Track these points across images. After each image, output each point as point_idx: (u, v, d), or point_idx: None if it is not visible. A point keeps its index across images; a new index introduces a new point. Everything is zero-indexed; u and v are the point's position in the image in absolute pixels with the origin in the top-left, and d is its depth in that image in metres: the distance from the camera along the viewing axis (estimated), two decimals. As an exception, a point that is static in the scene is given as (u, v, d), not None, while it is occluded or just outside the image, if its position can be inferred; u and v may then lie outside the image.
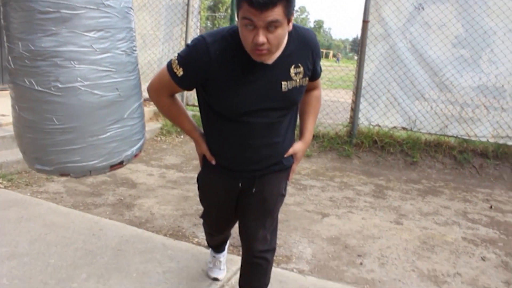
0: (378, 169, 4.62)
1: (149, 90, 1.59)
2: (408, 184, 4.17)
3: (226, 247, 2.24)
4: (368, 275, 2.42)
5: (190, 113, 1.74)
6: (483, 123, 4.67)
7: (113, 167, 1.42)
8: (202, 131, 1.68)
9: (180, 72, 1.46)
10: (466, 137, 4.73)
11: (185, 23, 5.74)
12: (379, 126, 5.01)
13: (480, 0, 4.47)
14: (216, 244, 2.15)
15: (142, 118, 1.52)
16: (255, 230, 1.70)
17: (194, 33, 5.76)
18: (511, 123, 4.58)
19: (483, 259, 2.71)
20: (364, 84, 4.93)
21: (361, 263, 2.55)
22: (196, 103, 5.84)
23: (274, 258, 2.02)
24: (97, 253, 2.36)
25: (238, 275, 2.03)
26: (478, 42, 4.53)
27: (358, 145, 4.92)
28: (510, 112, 4.58)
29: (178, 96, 1.66)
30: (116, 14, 1.30)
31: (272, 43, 1.33)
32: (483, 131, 4.67)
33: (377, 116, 5.00)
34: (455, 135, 4.77)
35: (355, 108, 4.96)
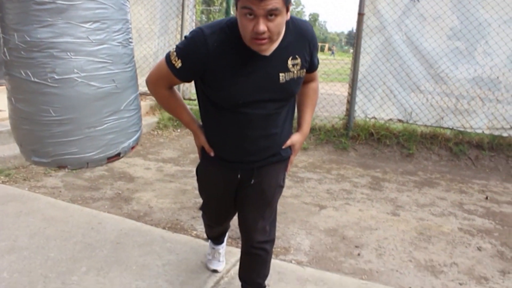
0: (374, 161, 4.64)
1: (147, 82, 1.59)
2: (405, 176, 4.19)
3: (225, 239, 2.25)
4: (366, 266, 2.44)
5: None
6: (479, 114, 4.69)
7: (110, 159, 1.41)
8: (201, 123, 1.69)
9: (178, 64, 1.46)
10: (462, 129, 4.75)
11: (180, 17, 5.71)
12: (375, 118, 5.02)
13: (475, -8, 4.48)
14: (215, 236, 2.16)
15: (139, 110, 1.52)
16: (254, 221, 1.71)
17: (189, 26, 5.73)
18: (506, 115, 4.60)
19: (479, 249, 2.73)
20: (360, 76, 4.94)
21: (358, 254, 2.57)
22: (193, 97, 5.78)
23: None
24: (97, 247, 2.37)
25: (237, 267, 2.04)
26: (473, 34, 4.54)
27: (355, 137, 4.94)
28: (505, 103, 4.60)
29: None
30: (112, 5, 1.29)
31: (273, 32, 1.33)
32: (479, 123, 4.69)
33: (373, 109, 5.01)
34: (450, 127, 4.79)
35: (351, 101, 4.96)
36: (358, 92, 4.97)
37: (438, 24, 4.64)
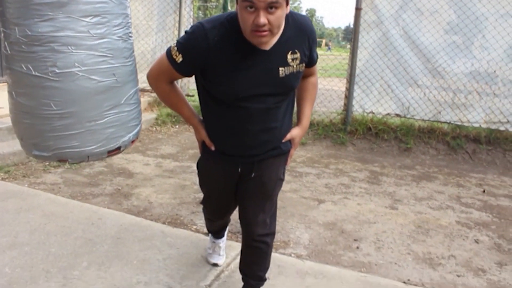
0: (372, 155, 4.66)
1: (148, 77, 1.60)
2: (402, 170, 4.21)
3: (226, 233, 2.26)
4: (365, 259, 2.46)
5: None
6: (476, 109, 4.71)
7: (110, 152, 1.43)
8: (201, 118, 1.70)
9: (179, 59, 1.47)
10: (459, 123, 4.77)
11: (178, 13, 5.71)
12: (373, 113, 5.04)
13: (472, -14, 4.49)
14: (216, 230, 2.18)
15: (139, 105, 1.53)
16: (255, 214, 1.72)
17: (187, 22, 5.73)
18: (503, 109, 4.63)
19: (476, 241, 2.76)
20: (357, 71, 4.95)
21: (357, 247, 2.59)
22: (191, 93, 5.77)
23: (272, 243, 2.04)
24: (97, 242, 2.38)
25: (237, 261, 2.06)
26: (470, 28, 4.55)
27: (353, 132, 4.95)
28: (502, 97, 4.62)
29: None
30: (112, 0, 1.30)
31: (273, 24, 1.34)
32: (476, 117, 4.71)
33: (371, 103, 5.03)
34: (448, 121, 4.81)
35: (349, 96, 4.98)
36: (356, 87, 4.98)
37: (435, 18, 4.65)
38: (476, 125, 4.72)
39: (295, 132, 1.72)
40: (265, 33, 1.35)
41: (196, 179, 3.49)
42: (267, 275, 1.93)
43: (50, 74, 1.22)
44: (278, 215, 1.93)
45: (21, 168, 3.52)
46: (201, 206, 2.11)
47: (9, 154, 3.54)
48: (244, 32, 1.41)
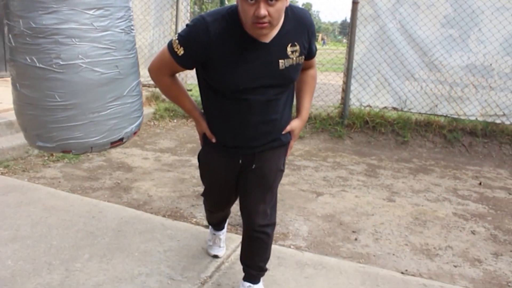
0: (370, 149, 4.69)
1: (150, 70, 1.61)
2: (400, 163, 4.25)
3: (226, 225, 2.28)
4: (363, 250, 2.49)
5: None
6: (472, 102, 4.75)
7: (113, 143, 1.44)
8: (202, 110, 1.72)
9: (180, 52, 1.49)
10: (456, 116, 4.81)
11: (175, 7, 5.69)
12: (370, 106, 5.06)
13: (468, -20, 4.51)
14: (216, 222, 2.19)
15: (141, 97, 1.54)
16: (256, 205, 1.74)
17: (184, 17, 5.72)
18: (499, 102, 4.66)
19: (473, 232, 2.79)
20: (354, 65, 4.97)
21: (356, 239, 2.62)
22: (188, 88, 5.78)
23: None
24: (98, 235, 2.39)
25: (237, 252, 2.08)
26: (466, 21, 4.58)
27: (350, 125, 4.98)
28: (498, 90, 4.66)
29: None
30: None
31: (273, 16, 1.36)
32: (472, 110, 4.75)
33: (368, 97, 5.05)
34: (444, 114, 4.85)
35: (346, 89, 5.00)
36: (353, 81, 5.00)
37: (432, 12, 4.67)
38: (473, 118, 4.76)
39: (294, 124, 1.75)
40: (265, 24, 1.37)
41: (195, 172, 3.52)
42: (266, 266, 1.95)
43: (54, 66, 1.23)
44: (277, 207, 1.95)
45: (20, 163, 3.52)
46: (201, 199, 2.12)
47: (8, 149, 3.54)
48: (244, 24, 1.42)
